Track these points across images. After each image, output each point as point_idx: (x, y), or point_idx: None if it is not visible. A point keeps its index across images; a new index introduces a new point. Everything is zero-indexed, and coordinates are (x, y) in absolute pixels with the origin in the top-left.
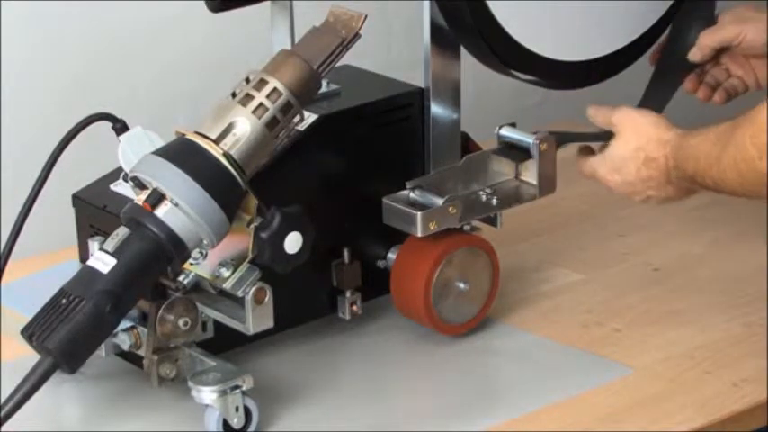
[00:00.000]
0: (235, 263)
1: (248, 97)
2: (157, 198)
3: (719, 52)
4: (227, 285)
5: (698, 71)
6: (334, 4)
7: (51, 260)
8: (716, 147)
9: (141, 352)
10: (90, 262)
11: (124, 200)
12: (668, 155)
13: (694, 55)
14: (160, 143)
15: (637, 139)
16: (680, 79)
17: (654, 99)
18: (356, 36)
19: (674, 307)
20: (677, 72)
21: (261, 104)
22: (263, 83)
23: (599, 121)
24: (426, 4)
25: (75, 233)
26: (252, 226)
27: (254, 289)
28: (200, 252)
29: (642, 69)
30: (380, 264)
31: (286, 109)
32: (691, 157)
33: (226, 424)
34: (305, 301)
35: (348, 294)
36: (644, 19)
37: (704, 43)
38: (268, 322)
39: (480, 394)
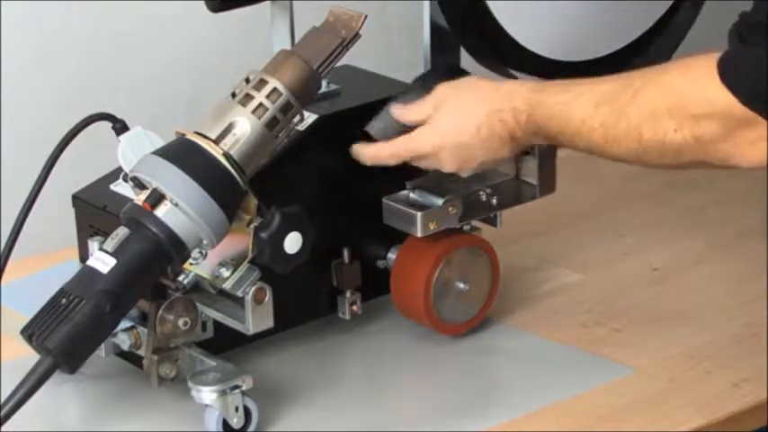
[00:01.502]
0: (235, 263)
1: (248, 97)
2: (157, 198)
3: None
4: (227, 285)
5: None
6: (334, 4)
7: (51, 260)
8: (602, 110)
9: (141, 352)
10: (90, 262)
11: (124, 200)
12: (519, 108)
13: None
14: (160, 143)
15: (475, 94)
16: None
17: None
18: (356, 36)
19: (674, 307)
20: None
21: (261, 104)
22: (262, 83)
23: (411, 114)
24: (426, 4)
25: (75, 233)
26: (252, 226)
27: (254, 289)
28: (200, 252)
29: None
30: (380, 264)
31: (286, 109)
32: (557, 115)
33: (226, 424)
34: (305, 301)
35: (348, 294)
36: (644, 18)
37: None
38: (268, 322)
39: (480, 394)
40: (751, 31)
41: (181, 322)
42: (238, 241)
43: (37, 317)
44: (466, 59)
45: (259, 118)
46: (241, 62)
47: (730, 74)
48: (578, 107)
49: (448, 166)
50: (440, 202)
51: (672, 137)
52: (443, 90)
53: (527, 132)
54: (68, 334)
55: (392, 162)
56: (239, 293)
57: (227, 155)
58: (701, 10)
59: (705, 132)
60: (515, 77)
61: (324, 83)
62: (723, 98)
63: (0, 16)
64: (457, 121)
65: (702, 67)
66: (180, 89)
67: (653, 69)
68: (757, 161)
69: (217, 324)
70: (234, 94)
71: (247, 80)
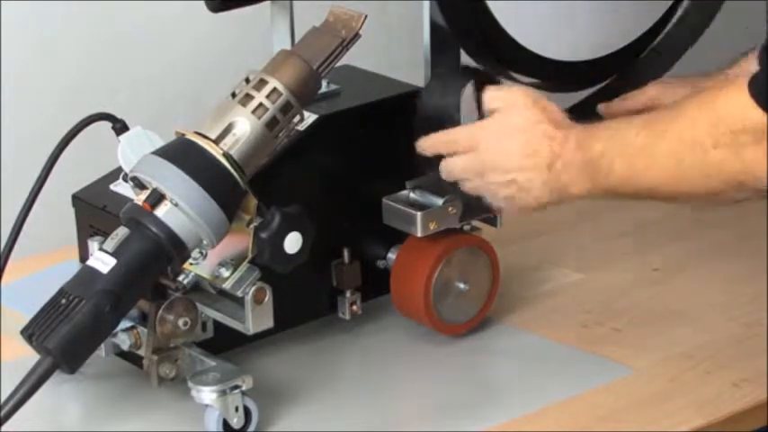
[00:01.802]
0: (234, 263)
1: (248, 97)
2: (157, 198)
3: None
4: (226, 285)
5: None
6: (334, 4)
7: (51, 260)
8: (643, 133)
9: (141, 352)
10: (90, 262)
11: (124, 200)
12: (570, 134)
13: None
14: (160, 143)
15: (539, 114)
16: None
17: None
18: (356, 36)
19: (674, 307)
20: None
21: (261, 104)
22: (262, 83)
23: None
24: (426, 4)
25: (75, 233)
26: (252, 226)
27: (253, 289)
28: (200, 252)
29: None
30: (380, 264)
31: (286, 109)
32: (602, 138)
33: (226, 424)
34: (305, 301)
35: (348, 294)
36: (645, 18)
37: (620, 106)
38: (268, 322)
39: (480, 394)
40: None
41: (181, 322)
42: (238, 241)
43: (37, 317)
44: (466, 59)
45: (259, 118)
46: (241, 62)
47: (757, 89)
48: (624, 131)
49: (475, 163)
50: (440, 202)
51: (711, 154)
52: (519, 94)
53: (567, 164)
54: (68, 334)
55: (431, 152)
56: (239, 293)
57: (227, 155)
58: (710, 15)
59: (742, 146)
60: (515, 79)
61: (324, 83)
62: (753, 113)
63: (0, 16)
64: (507, 125)
65: (741, 85)
66: (180, 89)
67: (702, 94)
68: None
69: (217, 324)
70: (234, 94)
71: (247, 80)
